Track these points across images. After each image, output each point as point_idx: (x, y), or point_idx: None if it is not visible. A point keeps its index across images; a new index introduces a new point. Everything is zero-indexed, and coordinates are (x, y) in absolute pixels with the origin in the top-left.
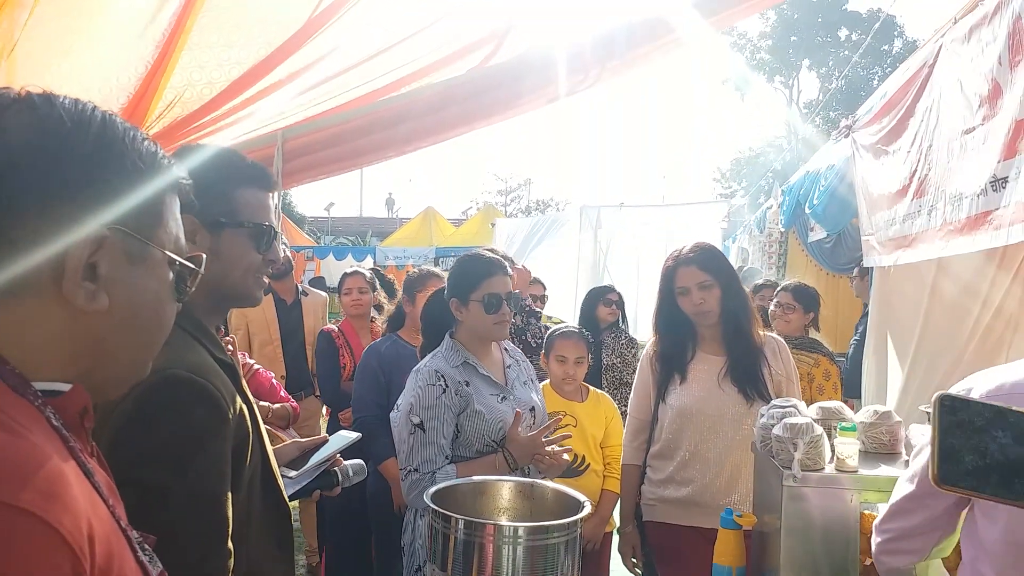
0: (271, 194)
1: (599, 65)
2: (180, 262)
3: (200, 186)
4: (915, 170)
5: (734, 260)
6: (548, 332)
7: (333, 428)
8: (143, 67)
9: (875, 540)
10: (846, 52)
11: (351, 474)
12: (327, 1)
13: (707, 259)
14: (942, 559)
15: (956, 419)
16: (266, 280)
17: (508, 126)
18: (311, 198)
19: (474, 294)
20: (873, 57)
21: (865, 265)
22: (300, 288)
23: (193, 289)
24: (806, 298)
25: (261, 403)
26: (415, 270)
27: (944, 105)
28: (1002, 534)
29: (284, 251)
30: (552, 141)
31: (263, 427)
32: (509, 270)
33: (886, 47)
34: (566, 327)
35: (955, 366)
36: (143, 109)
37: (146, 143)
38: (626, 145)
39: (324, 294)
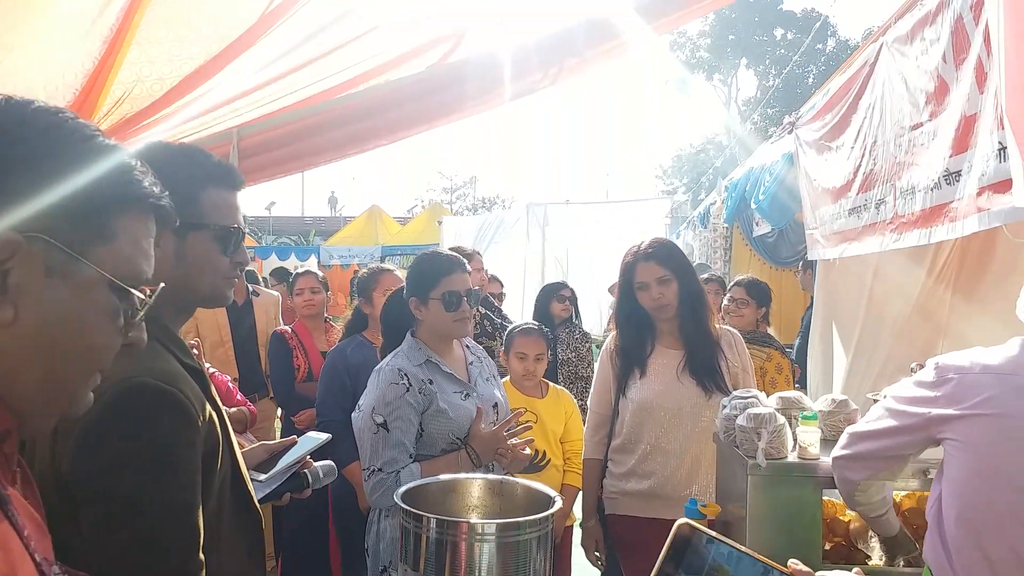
0: (238, 193)
1: (557, 65)
2: (125, 289)
3: (164, 187)
4: (859, 165)
5: None
6: (508, 330)
7: (287, 431)
8: (90, 63)
9: (841, 449)
10: (782, 51)
11: (321, 475)
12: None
13: (665, 254)
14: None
15: (681, 551)
16: (235, 282)
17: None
18: (251, 198)
19: (433, 292)
20: (807, 56)
21: (809, 258)
22: (251, 288)
23: (138, 320)
24: (758, 293)
25: None
26: (364, 270)
27: (888, 102)
28: (968, 471)
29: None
30: (497, 139)
31: (232, 432)
32: (468, 267)
33: (820, 46)
34: (526, 324)
35: (888, 359)
36: (90, 106)
37: (98, 147)
38: (571, 143)
39: (276, 293)
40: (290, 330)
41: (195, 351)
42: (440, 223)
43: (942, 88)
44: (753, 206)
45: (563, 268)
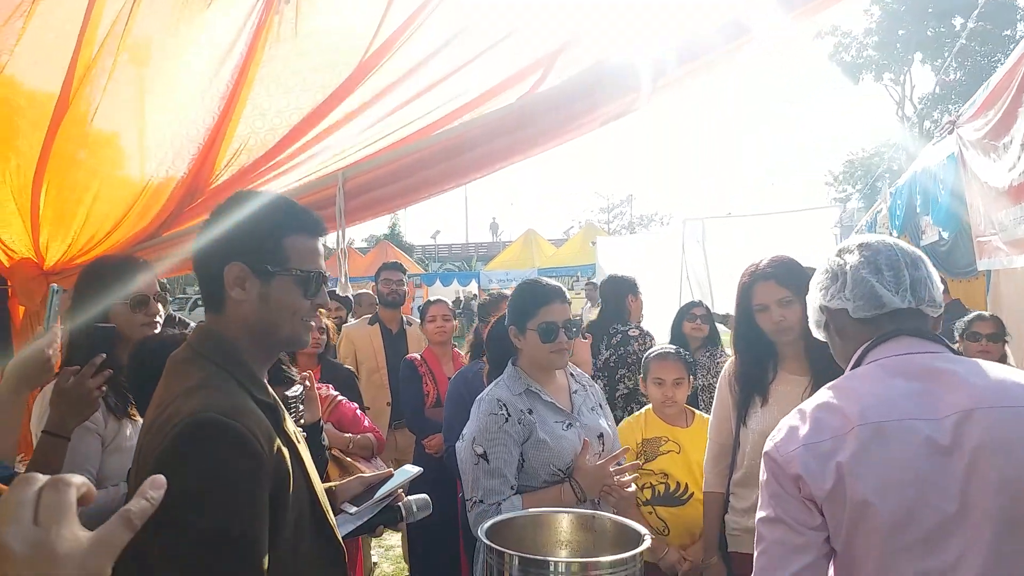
0: (320, 239)
1: (651, 82)
2: None
3: (251, 233)
4: None
5: None
6: (645, 355)
7: (419, 456)
8: (210, 119)
9: None
10: (964, 41)
11: (415, 509)
12: (377, 44)
13: (786, 273)
14: None
15: None
16: (313, 324)
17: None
18: (418, 227)
19: (531, 322)
20: (994, 44)
21: (980, 268)
22: (405, 319)
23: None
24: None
25: (344, 434)
26: (489, 294)
27: None
28: None
29: (396, 285)
30: (653, 154)
31: (311, 467)
32: (567, 298)
33: (1008, 32)
34: (663, 348)
35: None
36: (212, 159)
37: None
38: (732, 154)
39: None
40: (419, 357)
41: (306, 383)
42: (594, 243)
43: None
44: (923, 212)
45: (720, 287)
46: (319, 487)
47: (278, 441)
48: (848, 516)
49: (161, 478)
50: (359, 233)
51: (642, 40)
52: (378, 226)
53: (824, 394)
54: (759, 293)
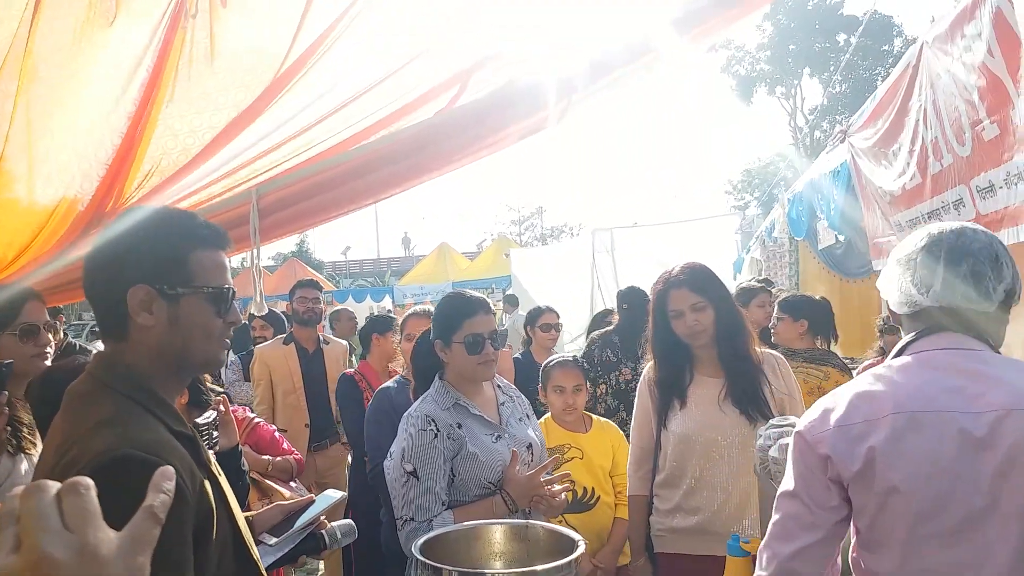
0: (226, 253)
1: (566, 98)
2: None
3: (152, 252)
4: (924, 167)
5: (748, 272)
6: (543, 364)
7: (357, 475)
8: (118, 139)
9: (765, 568)
10: (848, 56)
11: (339, 536)
12: (290, 61)
13: (698, 280)
14: None
15: None
16: (228, 342)
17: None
18: (328, 243)
19: (456, 335)
20: (875, 58)
21: (877, 268)
22: (321, 337)
23: None
24: (791, 307)
25: (262, 457)
26: (413, 309)
27: (940, 101)
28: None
29: (311, 303)
30: (562, 167)
31: (232, 499)
32: (491, 308)
33: (886, 47)
34: (561, 356)
35: None
36: (121, 180)
37: None
38: (637, 166)
39: (344, 342)
40: (357, 372)
41: (221, 407)
42: (507, 255)
43: (994, 82)
44: (820, 216)
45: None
46: (241, 519)
47: (200, 475)
48: (875, 500)
49: (169, 469)
50: (266, 251)
51: (554, 58)
52: (286, 243)
53: (862, 380)
54: (673, 300)
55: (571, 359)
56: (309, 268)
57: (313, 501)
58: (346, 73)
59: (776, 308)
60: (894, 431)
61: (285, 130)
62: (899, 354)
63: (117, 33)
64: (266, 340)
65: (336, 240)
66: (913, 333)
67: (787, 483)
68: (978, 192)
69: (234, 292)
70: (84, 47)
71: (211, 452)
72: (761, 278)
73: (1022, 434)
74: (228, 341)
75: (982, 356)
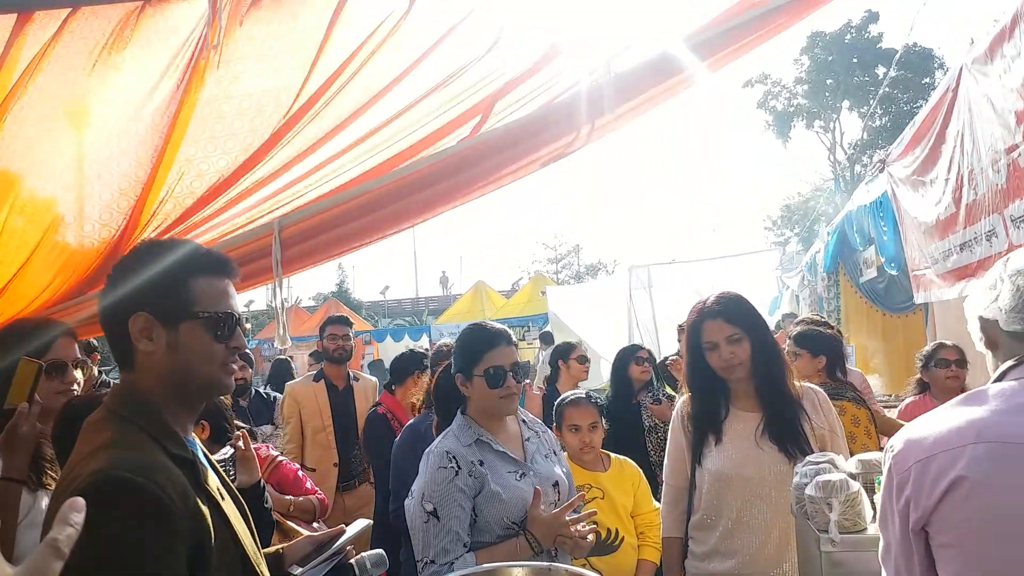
0: (230, 280)
1: (589, 123)
2: None
3: (153, 280)
4: (959, 196)
5: (787, 307)
6: (556, 403)
7: (378, 517)
8: (143, 172)
9: None
10: (887, 89)
11: (368, 566)
12: (309, 92)
13: (734, 311)
14: None
15: None
16: (235, 367)
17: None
18: (367, 283)
19: (477, 368)
20: (915, 91)
21: (917, 301)
22: (351, 374)
23: None
24: (811, 342)
25: (284, 496)
26: (439, 345)
27: (977, 127)
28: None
29: (341, 340)
30: (600, 205)
31: (238, 525)
32: (513, 340)
33: (927, 80)
34: (574, 394)
35: None
36: (145, 214)
37: None
38: (673, 203)
39: (374, 379)
40: (386, 409)
41: (240, 443)
42: (544, 293)
43: None
44: (859, 249)
45: (667, 331)
46: (250, 546)
47: (195, 498)
48: (952, 537)
49: (80, 500)
50: (306, 291)
51: (577, 82)
52: (325, 284)
53: (951, 405)
54: (707, 331)
55: (584, 396)
56: (348, 308)
57: (343, 532)
58: (368, 103)
59: (791, 343)
60: (972, 463)
61: (308, 162)
62: (1000, 378)
63: (133, 62)
64: (245, 381)
65: (375, 280)
66: (1016, 358)
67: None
68: (1012, 222)
69: (237, 318)
70: (101, 75)
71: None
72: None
73: None
74: (234, 367)
75: None
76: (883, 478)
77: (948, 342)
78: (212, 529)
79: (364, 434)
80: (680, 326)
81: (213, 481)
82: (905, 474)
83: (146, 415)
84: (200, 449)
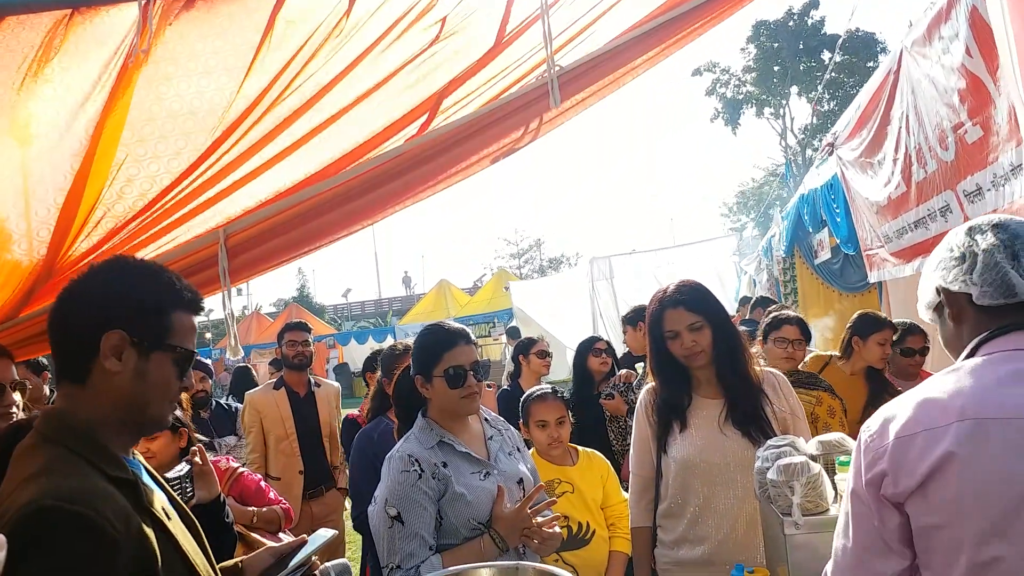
0: (196, 319)
1: (536, 118)
2: None
3: (137, 303)
4: (908, 175)
5: (745, 291)
6: (522, 399)
7: (362, 520)
8: (66, 183)
9: None
10: (833, 74)
11: (333, 575)
12: (249, 99)
13: (695, 299)
14: None
15: None
16: (176, 405)
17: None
18: (328, 287)
19: (436, 369)
20: (861, 75)
21: (872, 280)
22: (313, 380)
23: None
24: (807, 331)
25: (247, 508)
26: (390, 347)
27: (921, 107)
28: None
29: (301, 346)
30: (558, 199)
31: (187, 544)
32: (472, 339)
33: (871, 64)
34: (540, 389)
35: None
36: (68, 227)
37: None
38: (631, 193)
39: (337, 384)
40: (359, 413)
41: (196, 458)
42: (507, 288)
43: (974, 83)
44: (815, 233)
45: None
46: (202, 565)
47: (139, 520)
48: (934, 519)
49: (1, 538)
50: (267, 298)
51: (524, 76)
52: (286, 289)
53: (927, 384)
54: (669, 320)
55: (550, 391)
56: (310, 312)
57: (305, 542)
58: (310, 103)
59: (793, 329)
60: (958, 440)
61: (250, 165)
62: (972, 354)
63: (64, 79)
64: (205, 392)
65: (337, 283)
66: (987, 331)
67: (842, 510)
68: (965, 196)
69: (195, 357)
70: (28, 85)
71: (187, 503)
72: (759, 295)
73: None
74: (177, 404)
75: None
76: (853, 456)
77: (918, 326)
78: (158, 552)
79: (342, 441)
80: (625, 318)
81: (158, 501)
82: (881, 450)
83: (80, 437)
84: (144, 468)
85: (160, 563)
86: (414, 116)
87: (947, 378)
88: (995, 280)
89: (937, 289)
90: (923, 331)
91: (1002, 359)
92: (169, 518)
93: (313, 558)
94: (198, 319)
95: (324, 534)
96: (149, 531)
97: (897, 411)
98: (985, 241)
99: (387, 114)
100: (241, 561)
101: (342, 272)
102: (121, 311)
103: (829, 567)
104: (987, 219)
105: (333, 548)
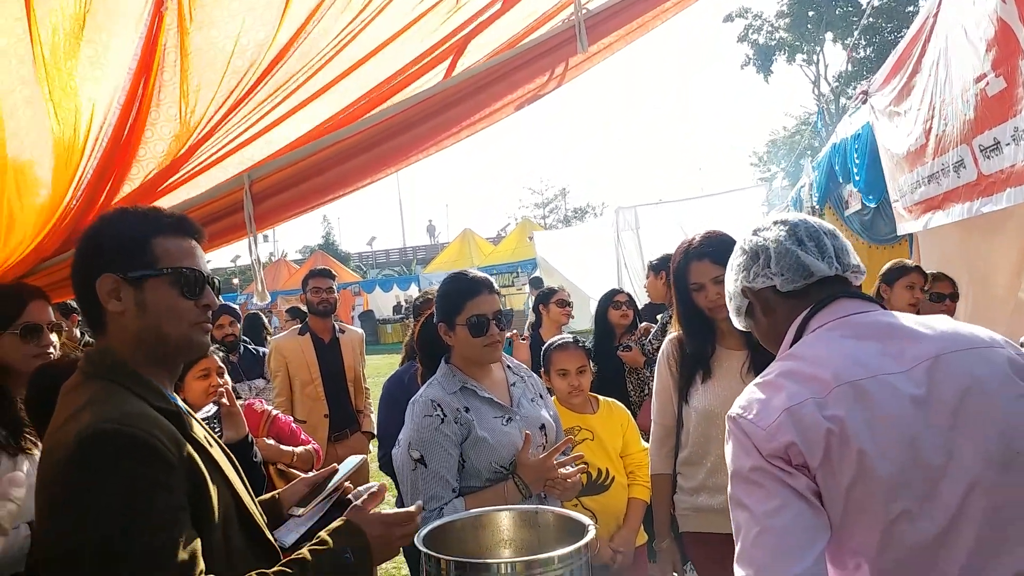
0: (194, 240)
1: (562, 63)
2: None
3: (116, 242)
4: (929, 128)
5: None
6: (544, 348)
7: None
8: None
9: None
10: (870, 19)
11: (366, 498)
12: (277, 46)
13: (720, 251)
14: None
15: None
16: (209, 326)
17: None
18: (354, 234)
19: (459, 317)
20: (900, 20)
21: (898, 233)
22: (337, 326)
23: None
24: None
25: (288, 448)
26: (420, 294)
27: (952, 56)
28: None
29: (325, 292)
30: (585, 147)
31: (229, 471)
32: (496, 288)
33: (911, 8)
34: (562, 338)
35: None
36: (111, 175)
37: None
38: (659, 141)
39: (361, 331)
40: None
41: (223, 401)
42: (531, 238)
43: (1004, 32)
44: (848, 184)
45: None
46: (243, 491)
47: (187, 445)
48: (843, 482)
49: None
50: (292, 245)
51: (551, 19)
52: (312, 236)
53: (783, 365)
54: (694, 272)
55: (572, 340)
56: (336, 260)
57: (336, 470)
58: (339, 47)
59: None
60: (844, 405)
61: (278, 111)
62: (799, 333)
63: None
64: (234, 336)
65: (362, 231)
66: (806, 310)
67: (746, 496)
68: (981, 152)
69: (203, 275)
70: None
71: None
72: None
73: (956, 379)
74: (208, 326)
75: (885, 313)
76: (732, 442)
77: (943, 274)
78: (206, 474)
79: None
80: (651, 264)
81: (200, 431)
82: (773, 425)
83: (123, 373)
84: (182, 405)
85: (208, 485)
86: (439, 60)
87: (799, 354)
88: (791, 265)
89: (743, 291)
90: (951, 278)
91: (837, 326)
92: (211, 445)
93: (345, 483)
94: (192, 240)
95: (353, 460)
96: (197, 456)
97: (767, 391)
98: (771, 235)
99: (412, 58)
100: (277, 494)
101: (367, 220)
102: (105, 256)
103: (751, 570)
104: (768, 219)
105: (362, 474)
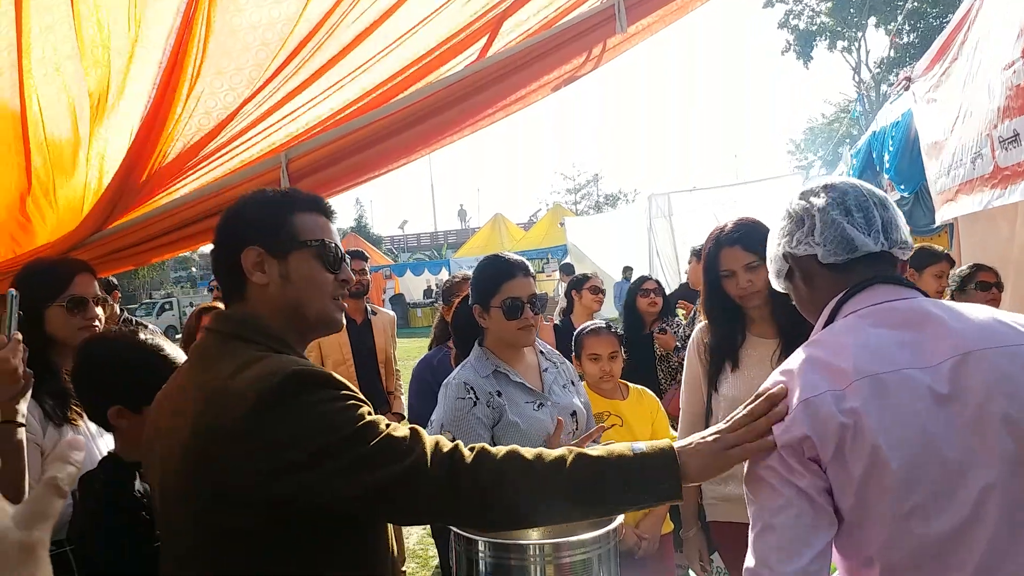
0: (330, 220)
1: (600, 44)
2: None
3: (258, 217)
4: (957, 116)
5: None
6: (576, 333)
7: None
8: (142, 108)
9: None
10: (915, 3)
11: None
12: (311, 23)
13: (752, 237)
14: None
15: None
16: (344, 303)
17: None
18: (386, 218)
19: (494, 299)
20: (945, 5)
21: (940, 224)
22: (369, 308)
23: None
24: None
25: None
26: (449, 278)
27: (989, 43)
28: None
29: (358, 274)
30: (618, 133)
31: None
32: (531, 271)
33: None
34: (594, 323)
35: None
36: (149, 150)
37: None
38: (693, 128)
39: (392, 313)
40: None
41: None
42: (562, 224)
43: None
44: (884, 173)
45: (673, 260)
46: None
47: None
48: (855, 476)
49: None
50: None
51: (589, 1)
52: (344, 219)
53: (807, 352)
54: (725, 259)
55: (604, 326)
56: (368, 243)
57: None
58: (371, 27)
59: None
60: (862, 398)
61: (313, 90)
62: (832, 317)
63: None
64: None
65: (394, 214)
66: (843, 291)
67: (753, 492)
68: (1000, 143)
69: (340, 250)
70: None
71: None
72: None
73: (983, 377)
74: (343, 303)
75: (921, 301)
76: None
77: (985, 265)
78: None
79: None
80: (694, 250)
81: None
82: (789, 415)
83: (274, 338)
84: None
85: None
86: (473, 39)
87: (824, 341)
88: (835, 237)
89: (784, 256)
90: (992, 268)
91: (870, 313)
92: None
93: None
94: (327, 218)
95: None
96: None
97: (788, 379)
98: (819, 201)
99: (446, 36)
100: None
101: (399, 203)
102: (249, 229)
103: (752, 562)
104: (818, 182)
105: None
